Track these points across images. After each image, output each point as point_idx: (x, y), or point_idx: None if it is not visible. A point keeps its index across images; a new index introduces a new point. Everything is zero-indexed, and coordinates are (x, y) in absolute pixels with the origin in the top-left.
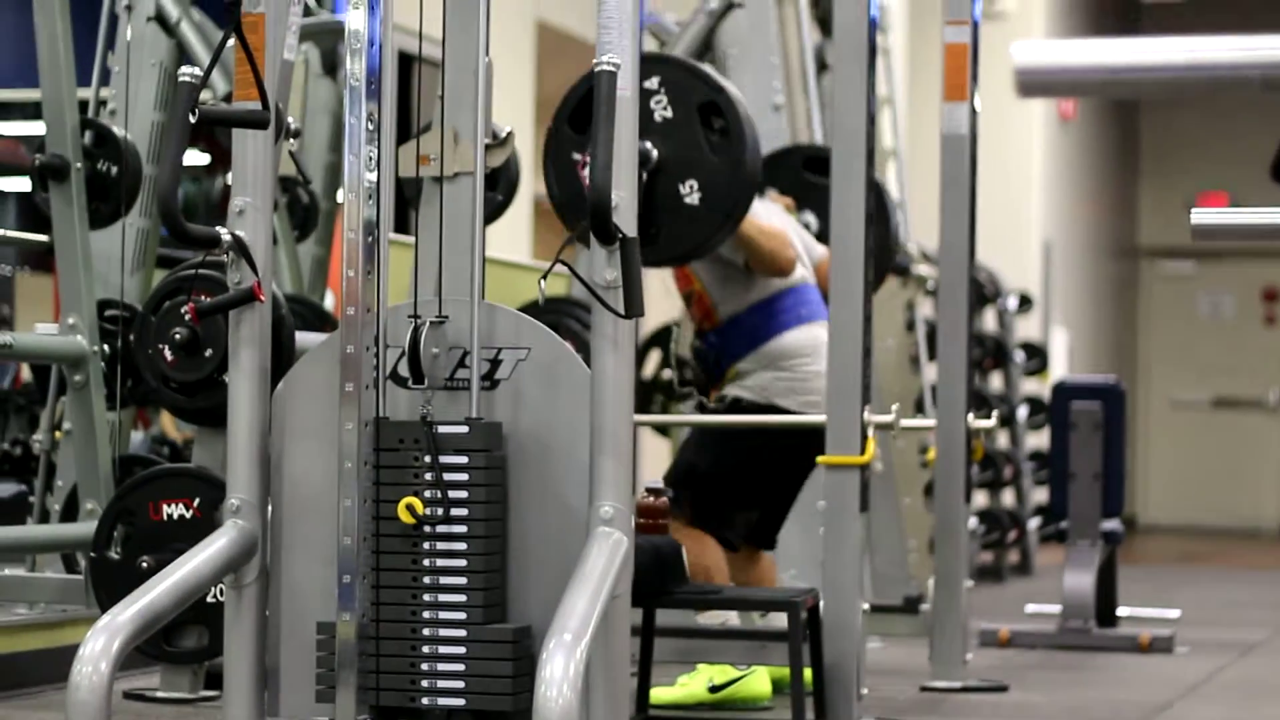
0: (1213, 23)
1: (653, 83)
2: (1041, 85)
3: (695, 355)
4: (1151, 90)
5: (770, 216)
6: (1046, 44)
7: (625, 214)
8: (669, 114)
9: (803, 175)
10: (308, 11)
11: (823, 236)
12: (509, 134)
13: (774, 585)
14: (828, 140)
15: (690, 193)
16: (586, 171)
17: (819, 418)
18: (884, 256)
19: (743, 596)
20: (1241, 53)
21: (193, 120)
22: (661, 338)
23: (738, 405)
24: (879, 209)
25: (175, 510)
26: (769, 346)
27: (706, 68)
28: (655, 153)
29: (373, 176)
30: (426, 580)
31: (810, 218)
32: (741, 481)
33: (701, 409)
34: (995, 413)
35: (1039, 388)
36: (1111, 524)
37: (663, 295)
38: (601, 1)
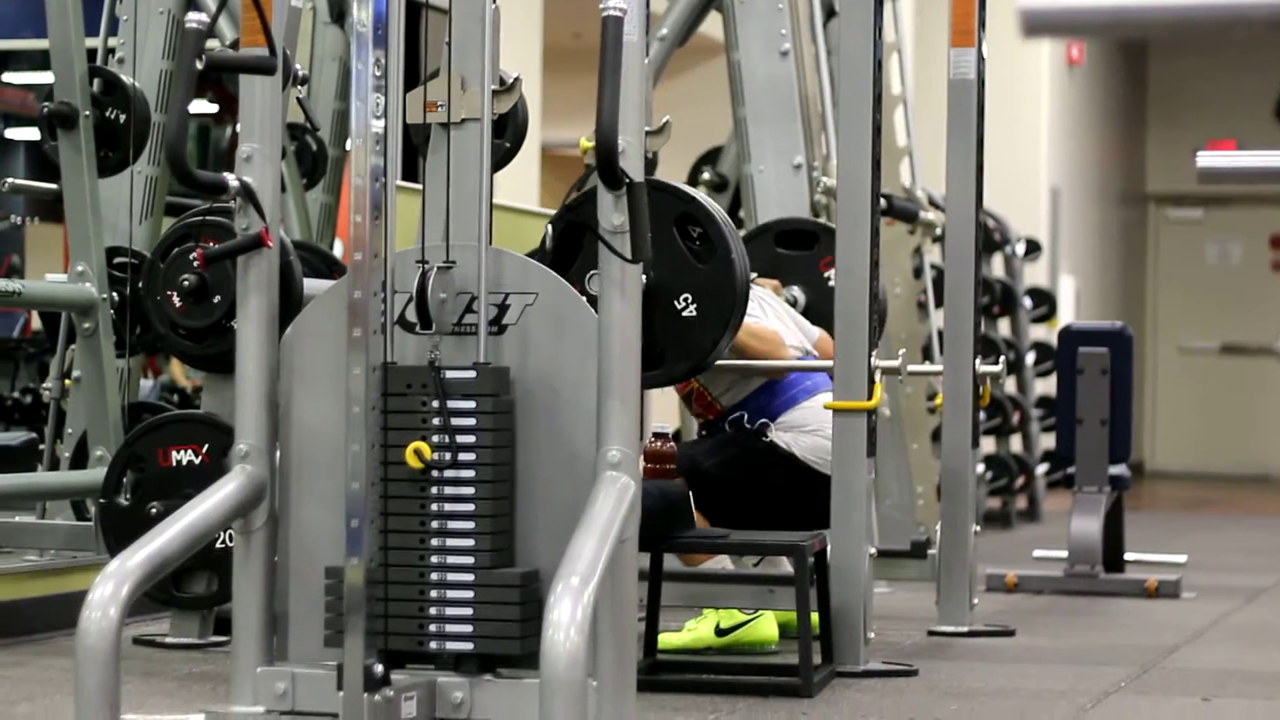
0: None
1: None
2: (1047, 25)
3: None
4: (1160, 29)
5: (763, 317)
6: None
7: (632, 158)
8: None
9: (776, 251)
10: None
11: (809, 310)
12: (516, 80)
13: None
14: (836, 89)
15: (686, 306)
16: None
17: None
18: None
19: (750, 541)
20: None
21: (200, 67)
22: None
23: (772, 445)
24: None
25: (184, 456)
26: (783, 419)
27: (675, 183)
28: (643, 276)
29: (380, 123)
30: (434, 525)
31: (798, 293)
32: (742, 495)
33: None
34: (1003, 358)
35: (1047, 334)
36: (1119, 469)
37: None
38: None
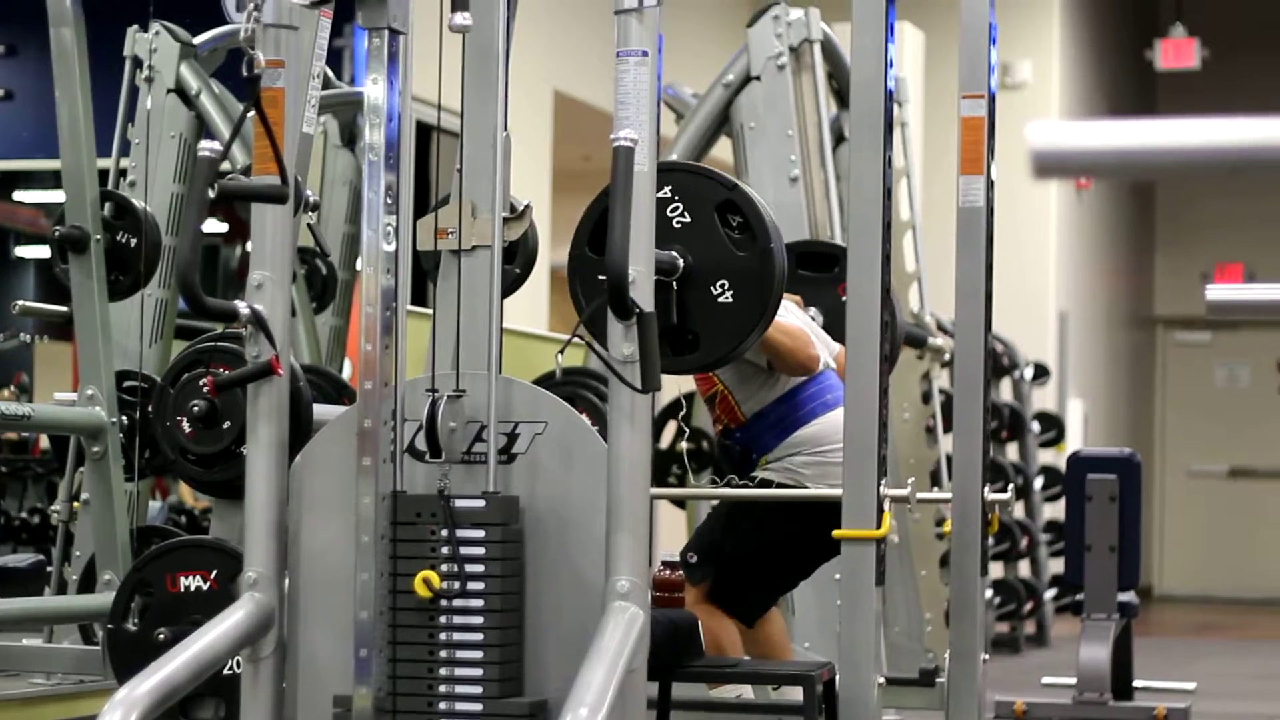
0: (1226, 88)
1: (666, 191)
2: (1058, 167)
3: (722, 451)
4: (1171, 173)
5: (789, 316)
6: (1063, 126)
7: (642, 289)
8: (687, 219)
9: (796, 271)
10: (326, 84)
11: (827, 331)
12: (527, 207)
13: (784, 641)
14: (845, 212)
15: (723, 293)
16: None
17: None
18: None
19: (759, 671)
20: (1262, 135)
21: (212, 195)
22: (677, 409)
23: (766, 487)
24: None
25: (193, 582)
26: (798, 435)
27: (716, 171)
28: (681, 260)
29: (391, 249)
30: (443, 654)
31: (815, 313)
32: (768, 565)
33: (730, 485)
34: (1011, 484)
35: (1055, 458)
36: (1127, 596)
37: None
38: (619, 76)
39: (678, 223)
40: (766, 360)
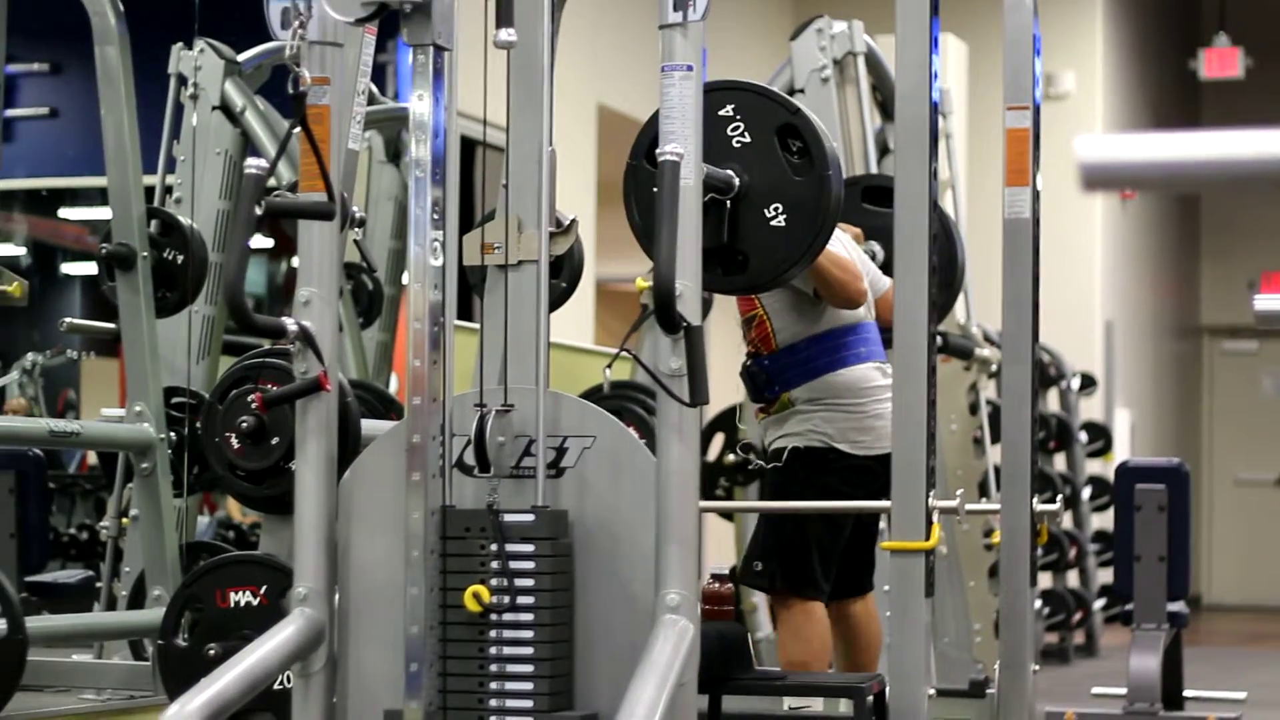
0: (1270, 96)
1: (728, 110)
2: (1106, 180)
3: (746, 375)
4: (1219, 186)
5: (842, 249)
6: (1110, 139)
7: (689, 303)
8: (747, 139)
9: (861, 205)
10: (371, 100)
11: (887, 267)
12: (573, 221)
13: (877, 626)
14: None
15: (776, 216)
16: None
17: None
18: (950, 292)
19: (808, 683)
20: None
21: (259, 212)
22: (726, 421)
23: (795, 456)
24: (948, 241)
25: (242, 597)
26: (825, 380)
27: (778, 91)
28: (738, 180)
29: (437, 264)
30: (493, 668)
31: (878, 248)
32: (821, 527)
33: (753, 469)
34: (1060, 496)
35: (1102, 468)
36: (1177, 606)
37: (724, 379)
38: (664, 91)
39: (737, 142)
40: (814, 290)
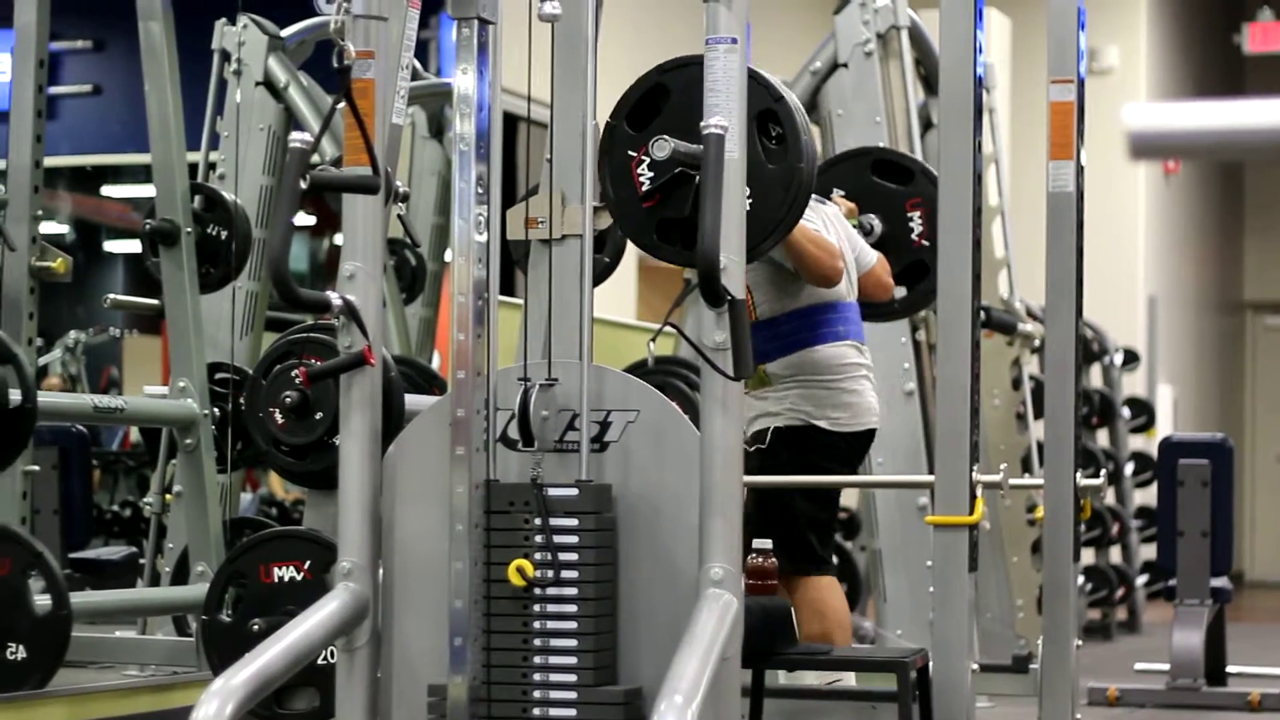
0: None
1: None
2: (1154, 149)
3: None
4: (1267, 153)
5: (822, 225)
6: (1158, 107)
7: (734, 275)
8: None
9: (870, 178)
10: (414, 75)
11: (882, 242)
12: None
13: (840, 607)
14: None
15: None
16: (640, 170)
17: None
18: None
19: (851, 657)
20: None
21: (304, 186)
22: None
23: (779, 436)
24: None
25: (286, 573)
26: (802, 356)
27: (770, 77)
28: None
29: (482, 239)
30: (537, 642)
31: (876, 222)
32: (810, 505)
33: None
34: (1103, 471)
35: (1145, 444)
36: (1220, 581)
37: None
38: (708, 65)
39: None
40: (794, 266)
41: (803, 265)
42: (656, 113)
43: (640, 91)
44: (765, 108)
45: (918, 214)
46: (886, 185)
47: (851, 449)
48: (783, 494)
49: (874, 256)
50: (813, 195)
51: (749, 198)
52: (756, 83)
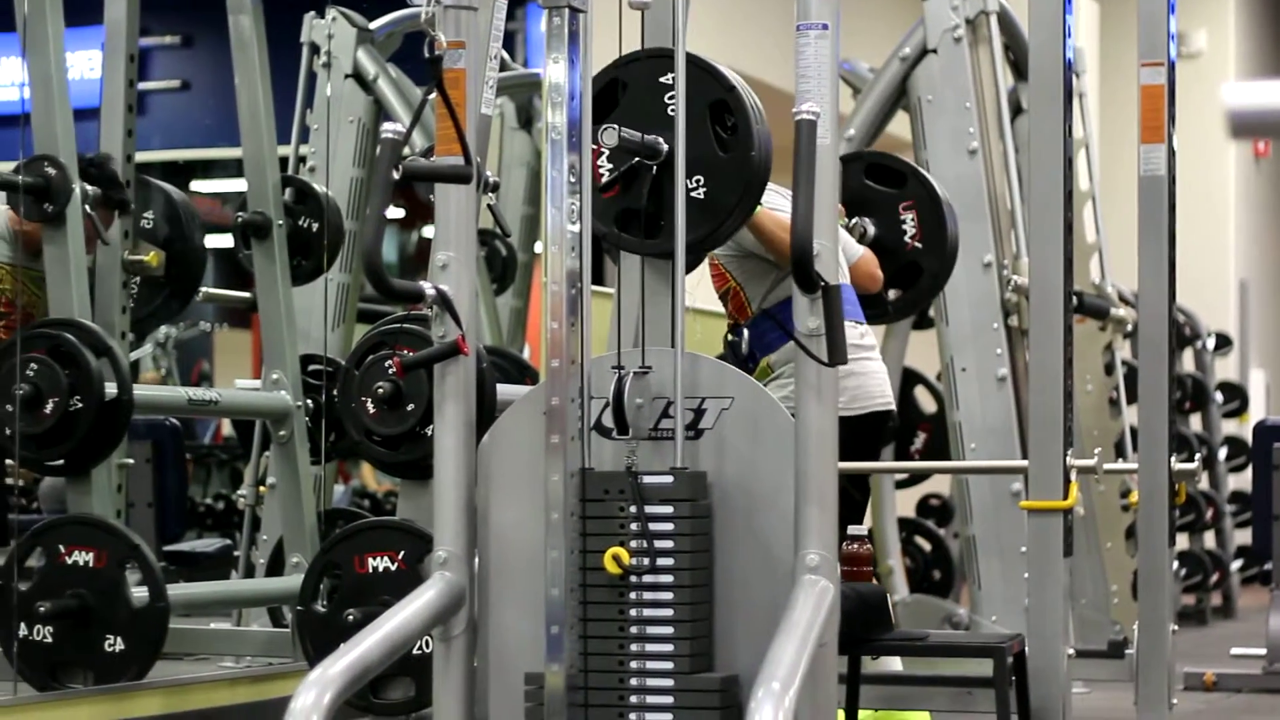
0: None
1: (668, 78)
2: (1253, 127)
3: (727, 347)
4: None
5: None
6: (1257, 85)
7: (827, 262)
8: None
9: (864, 181)
10: (502, 66)
11: (877, 245)
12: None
13: None
14: (1024, 183)
15: (696, 188)
16: (600, 162)
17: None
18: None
19: (949, 643)
20: None
21: (396, 176)
22: None
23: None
24: (934, 205)
25: (381, 563)
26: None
27: (722, 67)
28: (666, 147)
29: (574, 228)
30: (633, 630)
31: (869, 225)
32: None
33: None
34: (1197, 455)
35: (1238, 429)
36: None
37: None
38: (799, 50)
39: (671, 110)
40: (774, 256)
41: (776, 251)
42: (614, 105)
43: (599, 86)
44: (717, 98)
45: (911, 216)
46: (879, 189)
47: (856, 434)
48: None
49: (860, 249)
50: (783, 188)
51: (703, 186)
52: (707, 72)
